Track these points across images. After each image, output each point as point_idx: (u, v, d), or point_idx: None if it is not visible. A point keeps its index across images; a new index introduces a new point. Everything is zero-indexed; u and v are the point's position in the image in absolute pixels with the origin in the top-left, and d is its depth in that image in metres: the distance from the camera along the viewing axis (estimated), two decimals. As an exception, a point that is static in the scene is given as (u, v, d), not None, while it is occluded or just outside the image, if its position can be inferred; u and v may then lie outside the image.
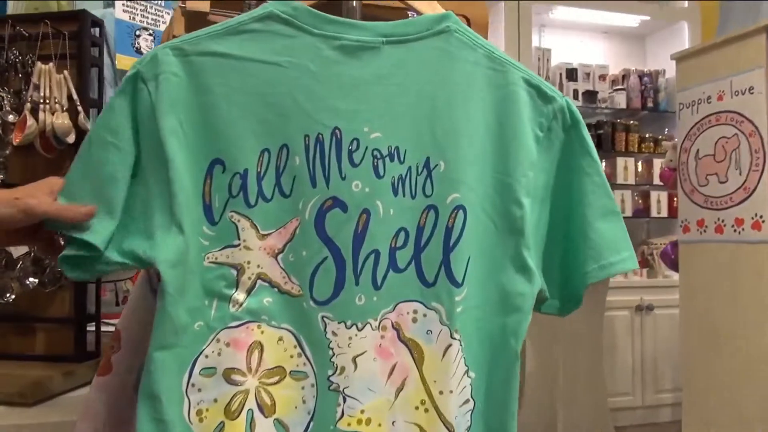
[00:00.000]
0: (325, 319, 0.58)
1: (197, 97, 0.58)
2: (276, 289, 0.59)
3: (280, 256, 0.59)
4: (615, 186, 3.16)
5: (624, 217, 0.65)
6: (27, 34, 0.99)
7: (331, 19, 0.60)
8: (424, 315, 0.60)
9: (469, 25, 0.78)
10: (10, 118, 0.96)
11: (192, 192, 0.57)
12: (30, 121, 0.94)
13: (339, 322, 0.58)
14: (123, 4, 1.91)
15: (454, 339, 0.59)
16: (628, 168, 3.35)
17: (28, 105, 0.95)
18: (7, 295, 0.88)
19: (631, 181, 3.35)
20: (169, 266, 0.55)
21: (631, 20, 3.46)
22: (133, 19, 1.93)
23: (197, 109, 0.58)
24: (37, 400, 0.83)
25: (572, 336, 2.46)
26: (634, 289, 3.05)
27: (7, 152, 0.98)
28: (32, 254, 0.90)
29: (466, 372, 0.60)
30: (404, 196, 0.60)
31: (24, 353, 0.94)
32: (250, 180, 0.58)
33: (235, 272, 0.58)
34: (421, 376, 0.59)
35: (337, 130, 0.59)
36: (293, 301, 0.59)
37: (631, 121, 3.40)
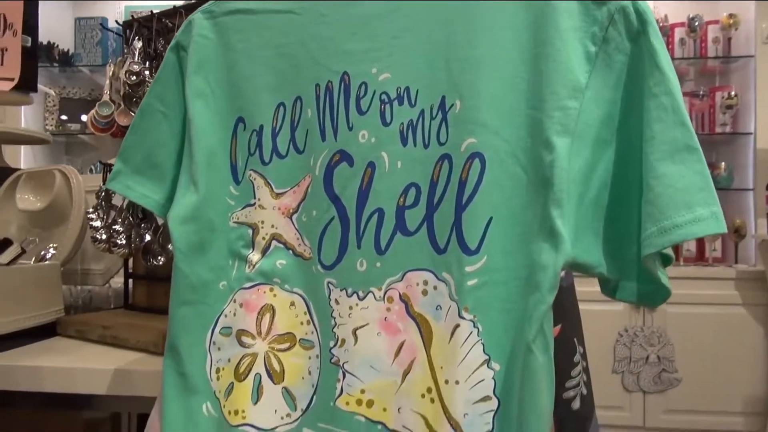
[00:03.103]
0: (330, 284, 0.53)
1: (224, 57, 0.58)
2: (291, 252, 0.56)
3: (294, 216, 0.55)
4: None
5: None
6: (171, 25, 1.10)
7: None
8: (435, 287, 0.49)
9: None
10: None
11: (221, 152, 0.58)
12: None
13: (341, 289, 0.52)
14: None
15: (464, 319, 0.47)
16: None
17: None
18: (159, 258, 1.03)
19: None
20: (179, 222, 0.56)
21: None
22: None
23: (224, 69, 0.58)
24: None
25: None
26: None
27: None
28: None
29: (486, 363, 0.47)
30: (415, 145, 0.50)
31: (166, 307, 1.04)
32: (264, 136, 0.56)
33: (251, 232, 0.57)
34: (428, 360, 0.49)
35: (345, 76, 0.53)
36: (305, 265, 0.55)
37: None
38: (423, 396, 0.49)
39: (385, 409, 0.50)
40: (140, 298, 1.15)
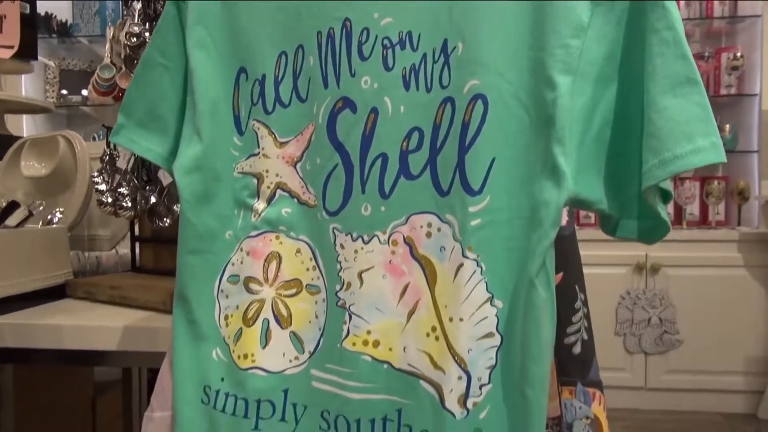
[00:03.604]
0: (335, 230, 0.54)
1: (224, 8, 0.58)
2: (295, 200, 0.56)
3: (298, 165, 0.56)
4: None
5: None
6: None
7: None
8: (438, 229, 0.50)
9: None
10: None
11: (223, 103, 0.58)
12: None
13: (346, 234, 0.53)
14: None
15: (467, 258, 0.48)
16: None
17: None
18: (165, 219, 1.04)
19: None
20: (184, 173, 0.57)
21: None
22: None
23: (224, 20, 0.58)
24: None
25: None
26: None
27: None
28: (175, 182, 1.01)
29: (489, 300, 0.48)
30: (417, 89, 0.51)
31: (174, 269, 1.04)
32: (267, 85, 0.56)
33: (255, 181, 0.57)
34: (433, 299, 0.50)
35: (347, 22, 0.53)
36: (310, 212, 0.56)
37: None
38: (428, 335, 0.50)
39: (390, 349, 0.52)
40: (147, 261, 1.16)
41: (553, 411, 0.57)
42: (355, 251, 0.53)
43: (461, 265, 0.49)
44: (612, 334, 2.61)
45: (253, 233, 0.57)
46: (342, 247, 0.53)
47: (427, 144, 0.51)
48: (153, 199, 1.04)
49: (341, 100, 0.53)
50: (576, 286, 0.68)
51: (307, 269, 0.56)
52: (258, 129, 0.57)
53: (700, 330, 2.57)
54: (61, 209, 1.16)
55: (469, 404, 0.48)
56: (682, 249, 2.58)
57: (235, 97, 0.58)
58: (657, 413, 2.58)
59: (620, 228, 0.51)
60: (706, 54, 2.80)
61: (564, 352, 0.66)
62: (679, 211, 2.89)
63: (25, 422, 1.05)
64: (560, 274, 0.66)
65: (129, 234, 1.22)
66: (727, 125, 2.77)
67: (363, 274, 0.52)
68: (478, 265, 0.48)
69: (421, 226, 0.51)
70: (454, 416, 0.48)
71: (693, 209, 2.90)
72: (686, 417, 2.55)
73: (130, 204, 1.06)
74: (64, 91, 2.98)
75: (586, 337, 0.68)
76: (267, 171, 0.57)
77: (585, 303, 0.69)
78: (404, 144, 0.51)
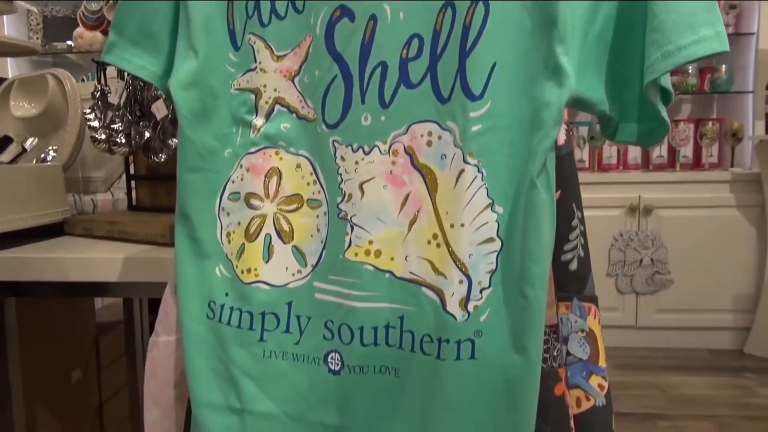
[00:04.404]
0: (335, 143, 0.54)
1: None
2: (294, 115, 0.56)
3: (296, 79, 0.55)
4: None
5: None
6: None
7: None
8: (439, 137, 0.50)
9: None
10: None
11: (217, 18, 0.57)
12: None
13: (346, 146, 0.53)
14: None
15: (468, 164, 0.49)
16: None
17: None
18: (160, 155, 1.03)
19: None
20: (180, 88, 0.56)
21: None
22: None
23: None
24: (173, 241, 0.94)
25: None
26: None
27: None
28: (169, 115, 0.99)
29: (490, 206, 0.49)
30: None
31: (171, 206, 1.03)
32: None
33: (253, 97, 0.57)
34: (434, 207, 0.51)
35: None
36: (309, 127, 0.55)
37: None
38: (429, 242, 0.51)
39: (392, 259, 0.52)
40: (144, 199, 1.16)
41: (550, 319, 0.58)
42: (356, 162, 0.53)
43: (462, 171, 0.49)
44: (604, 275, 2.65)
45: (252, 149, 0.57)
46: (342, 159, 0.53)
47: (427, 51, 0.50)
48: (147, 134, 1.03)
49: (339, 8, 0.52)
50: (573, 205, 0.69)
51: (308, 184, 0.56)
52: (254, 43, 0.56)
53: (690, 270, 2.61)
54: (54, 147, 1.15)
55: (470, 307, 0.49)
56: (675, 190, 2.60)
57: (229, 10, 0.57)
58: (647, 350, 2.66)
59: (620, 132, 0.51)
60: (704, -8, 2.75)
61: (561, 269, 0.67)
62: (672, 153, 2.90)
63: (29, 360, 1.07)
64: (558, 192, 0.67)
65: (124, 174, 1.21)
66: (723, 65, 2.75)
67: (364, 185, 0.52)
68: (479, 170, 0.49)
69: (422, 135, 0.51)
70: (455, 319, 0.50)
71: (687, 152, 2.90)
72: (675, 354, 2.63)
73: (124, 140, 1.05)
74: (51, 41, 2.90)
75: (582, 254, 0.69)
76: (264, 86, 0.56)
77: (582, 221, 0.70)
78: (404, 52, 0.51)
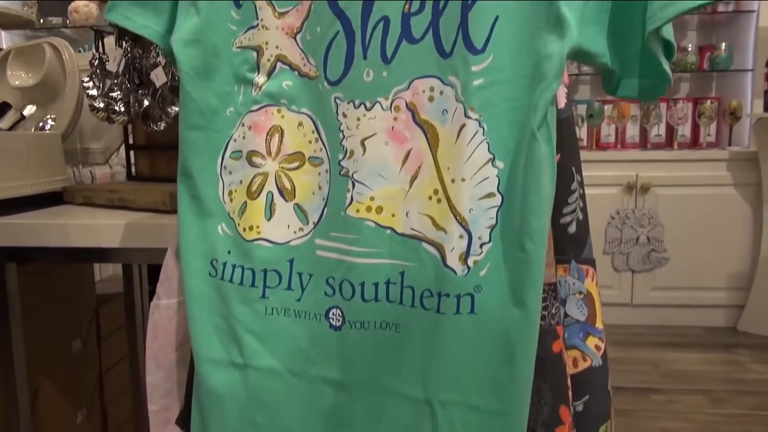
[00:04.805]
0: (336, 100, 0.54)
1: None
2: (296, 72, 0.56)
3: (298, 36, 0.55)
4: None
5: None
6: None
7: None
8: (441, 92, 0.50)
9: None
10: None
11: None
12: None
13: (348, 102, 0.53)
14: None
15: (470, 118, 0.49)
16: None
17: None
18: (159, 123, 1.03)
19: None
20: (182, 45, 0.56)
21: None
22: None
23: None
24: (174, 208, 0.93)
25: None
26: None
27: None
28: (168, 83, 0.98)
29: (491, 161, 0.49)
30: None
31: (171, 176, 1.01)
32: None
33: (255, 54, 0.57)
34: (435, 163, 0.51)
35: None
36: (312, 84, 0.55)
37: None
38: (430, 198, 0.51)
39: (393, 215, 0.53)
40: (143, 169, 1.16)
41: (549, 278, 0.59)
42: (358, 119, 0.53)
43: (463, 126, 0.49)
44: (601, 253, 2.67)
45: (254, 107, 0.57)
46: (344, 115, 0.53)
47: (430, 6, 0.50)
48: (146, 102, 1.02)
49: None
50: (573, 168, 0.69)
51: (310, 141, 0.56)
52: (256, 0, 0.56)
53: (686, 248, 2.63)
54: (52, 116, 1.14)
55: (470, 262, 0.50)
56: (672, 168, 2.60)
57: None
58: (642, 328, 2.68)
59: (621, 87, 0.52)
60: (705, -31, 2.73)
61: (560, 232, 0.68)
62: (670, 132, 2.90)
63: (30, 329, 1.08)
64: (558, 156, 0.67)
65: (123, 146, 1.21)
66: (723, 44, 2.74)
67: (365, 142, 0.53)
68: (480, 125, 0.49)
69: (423, 91, 0.51)
70: (455, 273, 0.50)
71: (684, 131, 2.91)
72: (670, 331, 2.65)
73: (122, 108, 1.04)
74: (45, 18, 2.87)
75: (581, 217, 0.70)
76: (266, 43, 0.56)
77: (581, 184, 0.70)
78: (406, 6, 0.51)
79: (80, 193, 1.05)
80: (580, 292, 0.69)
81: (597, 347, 0.69)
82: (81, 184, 1.10)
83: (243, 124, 0.58)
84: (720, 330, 2.66)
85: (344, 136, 0.54)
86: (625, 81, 0.51)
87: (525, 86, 0.48)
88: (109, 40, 1.09)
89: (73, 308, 1.30)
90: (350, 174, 0.54)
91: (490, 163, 0.49)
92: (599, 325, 0.69)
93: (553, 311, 0.60)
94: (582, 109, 2.85)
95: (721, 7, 2.73)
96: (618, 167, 2.63)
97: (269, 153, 0.57)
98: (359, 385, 0.55)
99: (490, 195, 0.50)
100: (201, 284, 0.59)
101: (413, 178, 0.52)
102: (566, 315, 0.68)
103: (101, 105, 1.05)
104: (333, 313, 0.55)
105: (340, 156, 0.54)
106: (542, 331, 0.55)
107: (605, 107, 2.85)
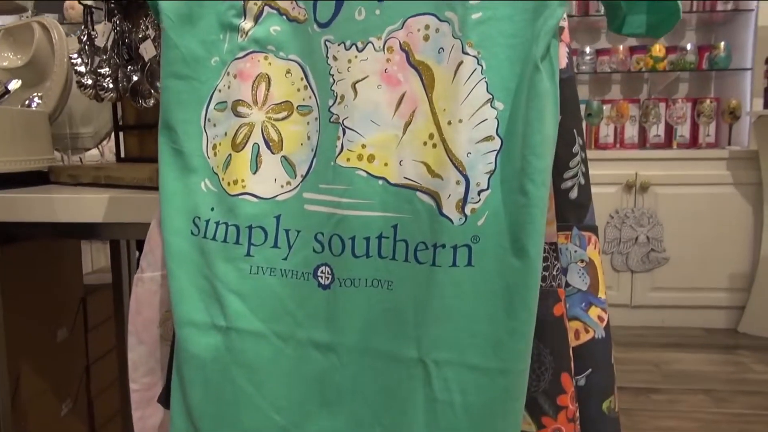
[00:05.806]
0: (326, 42, 0.51)
1: None
2: (284, 17, 0.53)
3: None
4: None
5: None
6: None
7: None
8: (437, 30, 0.48)
9: None
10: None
11: None
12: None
13: (339, 44, 0.50)
14: None
15: (467, 54, 0.46)
16: None
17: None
18: (148, 100, 1.00)
19: None
20: None
21: None
22: None
23: None
24: None
25: None
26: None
27: None
28: (158, 56, 0.97)
29: (490, 102, 0.46)
30: None
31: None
32: None
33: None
34: (430, 105, 0.48)
35: None
36: (300, 29, 0.53)
37: None
38: (425, 143, 0.48)
39: (386, 164, 0.50)
40: (132, 149, 1.13)
41: (550, 236, 0.56)
42: (349, 61, 0.50)
43: (461, 63, 0.46)
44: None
45: (240, 54, 0.54)
46: (335, 58, 0.51)
47: None
48: (135, 78, 0.99)
49: None
50: (574, 130, 0.66)
51: (298, 90, 0.53)
52: None
53: (685, 248, 2.60)
54: (39, 94, 1.12)
55: (467, 210, 0.47)
56: (672, 167, 2.58)
57: None
58: (642, 329, 2.65)
59: (627, 24, 0.49)
60: (704, -31, 2.73)
61: (561, 197, 0.65)
62: (669, 132, 2.88)
63: (13, 313, 1.04)
64: (559, 117, 0.65)
65: (112, 132, 1.18)
66: (722, 43, 2.73)
67: (357, 85, 0.50)
68: (478, 63, 0.46)
69: (418, 30, 0.48)
70: (452, 222, 0.47)
71: (683, 131, 2.89)
72: (669, 332, 2.62)
73: (111, 85, 1.02)
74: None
75: (583, 181, 0.67)
76: None
77: (583, 148, 0.67)
78: None
79: (66, 172, 1.02)
80: (582, 260, 0.66)
81: (600, 318, 0.66)
82: (67, 165, 1.07)
83: (228, 73, 0.55)
84: (721, 331, 2.63)
85: (334, 81, 0.51)
86: (631, 17, 0.48)
87: (526, 21, 0.45)
88: (99, 15, 1.06)
89: (59, 294, 1.27)
90: (340, 120, 0.51)
91: (489, 104, 0.46)
92: (602, 294, 0.66)
93: (554, 273, 0.57)
94: (581, 109, 2.83)
95: (720, 6, 2.72)
96: (617, 166, 2.61)
97: (255, 102, 0.54)
98: (349, 347, 0.52)
99: (489, 138, 0.47)
100: (182, 243, 0.56)
101: (407, 124, 0.49)
102: (567, 284, 0.65)
103: (89, 81, 1.02)
104: (321, 271, 0.52)
105: (330, 102, 0.51)
106: (542, 292, 0.52)
107: (604, 107, 2.83)
